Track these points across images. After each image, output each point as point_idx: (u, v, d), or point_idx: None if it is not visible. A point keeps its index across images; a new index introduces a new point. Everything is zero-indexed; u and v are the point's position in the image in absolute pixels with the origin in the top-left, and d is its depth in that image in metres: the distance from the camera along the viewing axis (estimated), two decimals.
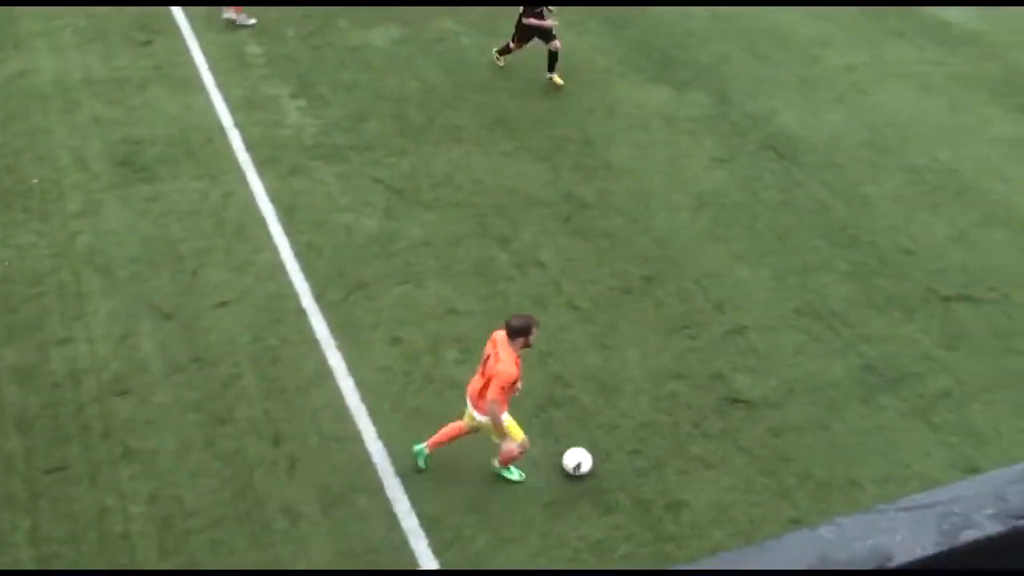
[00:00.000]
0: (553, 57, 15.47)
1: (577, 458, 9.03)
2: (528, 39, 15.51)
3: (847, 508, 8.52)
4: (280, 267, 11.43)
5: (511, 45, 15.77)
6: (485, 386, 8.36)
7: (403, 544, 8.37)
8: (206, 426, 9.35)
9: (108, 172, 12.92)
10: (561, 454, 9.13)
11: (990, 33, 18.47)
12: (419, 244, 11.98)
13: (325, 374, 10.01)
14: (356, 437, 9.34)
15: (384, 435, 9.36)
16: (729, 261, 12.09)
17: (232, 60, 15.70)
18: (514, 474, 8.95)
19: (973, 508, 0.98)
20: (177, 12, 16.93)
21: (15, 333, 10.32)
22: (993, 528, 0.96)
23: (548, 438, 9.42)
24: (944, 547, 0.93)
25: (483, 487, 8.90)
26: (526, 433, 8.81)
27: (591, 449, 9.22)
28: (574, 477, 9.00)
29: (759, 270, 11.96)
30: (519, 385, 8.61)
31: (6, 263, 11.30)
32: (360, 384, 9.90)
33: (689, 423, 9.74)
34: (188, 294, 10.94)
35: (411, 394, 9.85)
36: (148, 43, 16.04)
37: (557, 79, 15.61)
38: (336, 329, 10.57)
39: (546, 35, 15.37)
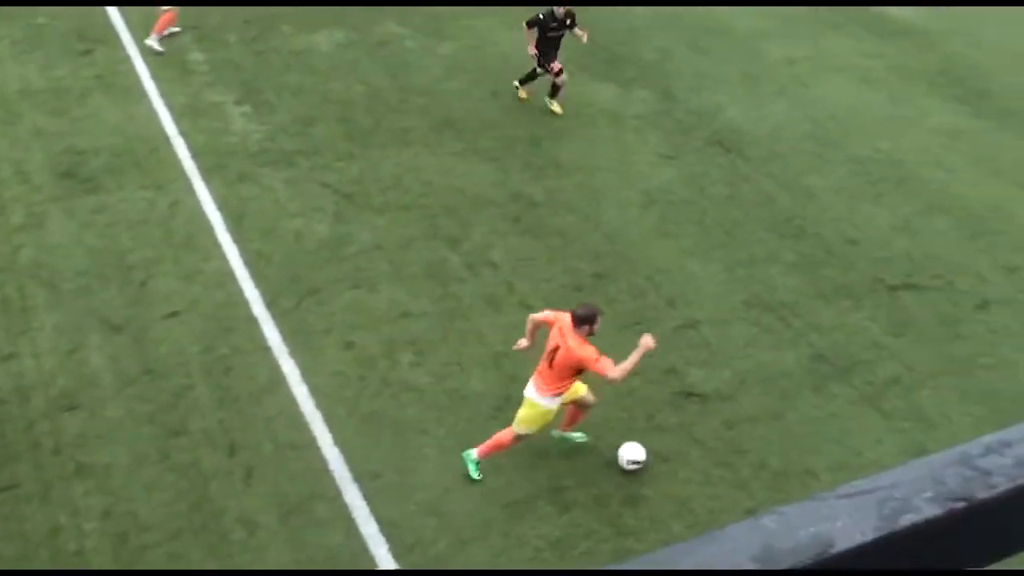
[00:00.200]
0: (555, 88, 14.87)
1: (633, 453, 9.16)
2: (551, 59, 14.65)
3: (803, 497, 8.63)
4: (230, 275, 11.32)
5: (537, 71, 14.83)
6: (554, 373, 8.55)
7: (363, 550, 8.34)
8: (159, 439, 9.24)
9: (51, 184, 12.71)
10: (517, 454, 9.15)
11: (926, 25, 18.81)
12: (370, 248, 11.93)
13: (279, 381, 9.94)
14: (312, 444, 9.29)
15: (340, 441, 9.31)
16: (679, 256, 12.20)
17: (174, 68, 15.52)
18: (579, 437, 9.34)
19: (912, 492, 1.00)
20: (117, 21, 16.69)
21: None
22: (931, 511, 0.98)
23: None
24: (884, 532, 0.96)
25: (442, 490, 8.90)
26: (482, 438, 8.82)
27: (546, 448, 9.25)
28: (629, 471, 9.16)
29: (709, 264, 12.08)
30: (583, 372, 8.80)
31: None
32: (314, 390, 9.84)
33: (644, 418, 9.81)
34: (137, 305, 10.80)
35: (366, 399, 9.81)
36: (88, 52, 15.80)
37: (523, 93, 15.21)
38: (288, 336, 10.49)
39: (545, 61, 14.71)
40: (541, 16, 14.48)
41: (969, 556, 1.03)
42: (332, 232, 12.15)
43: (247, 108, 14.64)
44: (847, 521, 0.95)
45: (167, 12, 15.64)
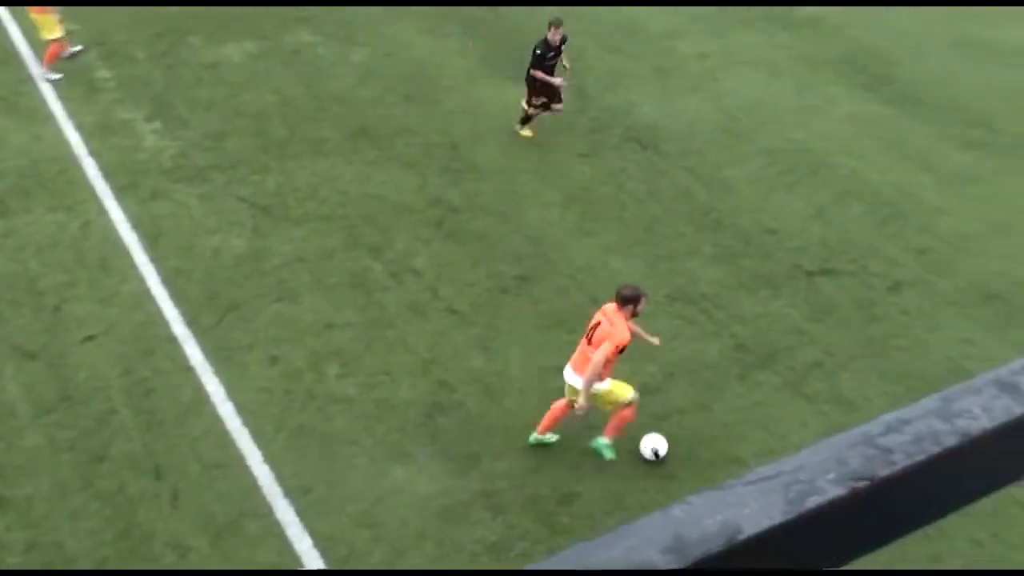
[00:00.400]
0: (528, 117, 14.51)
1: (654, 444, 9.34)
2: (541, 94, 14.25)
3: None
4: (147, 295, 11.10)
5: (528, 111, 14.41)
6: (593, 350, 8.68)
7: (298, 566, 8.24)
8: (82, 466, 9.01)
9: None
10: (450, 460, 9.13)
11: (829, 14, 19.24)
12: (291, 260, 11.80)
13: (203, 401, 9.77)
14: (240, 462, 9.15)
15: (269, 457, 9.19)
16: (601, 254, 12.29)
17: (81, 86, 15.17)
18: (610, 452, 9.38)
19: (816, 474, 1.02)
20: (18, 41, 16.24)
21: None
22: (835, 492, 1.00)
23: (436, 445, 9.41)
24: (791, 515, 0.97)
25: (374, 500, 8.83)
26: (412, 446, 8.77)
27: (477, 452, 9.25)
28: (652, 461, 9.34)
29: (630, 260, 12.19)
30: (626, 351, 8.89)
31: None
32: (240, 408, 9.70)
33: (575, 417, 9.85)
34: (52, 331, 10.53)
35: (294, 413, 9.70)
36: None
37: (527, 132, 14.65)
38: (211, 354, 10.32)
39: (552, 94, 14.32)
40: (538, 51, 14.09)
41: (874, 533, 1.05)
42: (251, 246, 11.99)
43: (158, 124, 14.38)
44: (755, 507, 0.97)
45: (53, 44, 15.09)
